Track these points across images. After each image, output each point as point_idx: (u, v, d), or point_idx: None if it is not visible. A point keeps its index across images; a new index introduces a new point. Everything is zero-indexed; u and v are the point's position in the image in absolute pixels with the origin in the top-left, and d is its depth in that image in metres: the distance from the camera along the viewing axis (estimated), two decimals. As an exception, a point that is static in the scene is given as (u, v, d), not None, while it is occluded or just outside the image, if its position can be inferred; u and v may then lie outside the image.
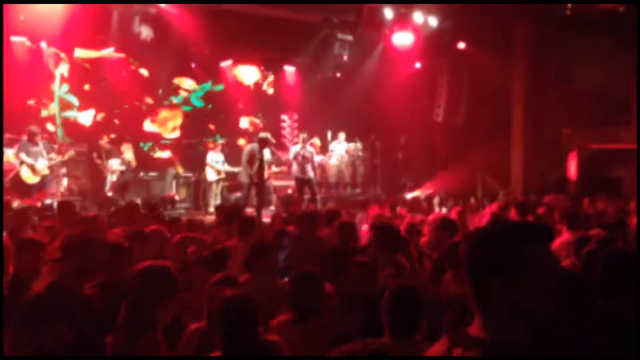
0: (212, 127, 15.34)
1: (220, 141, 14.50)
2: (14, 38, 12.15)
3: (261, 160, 11.19)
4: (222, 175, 13.27)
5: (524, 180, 14.85)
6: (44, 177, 11.13)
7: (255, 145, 11.42)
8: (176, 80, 14.81)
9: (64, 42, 12.67)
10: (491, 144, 14.55)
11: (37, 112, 12.65)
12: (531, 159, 14.95)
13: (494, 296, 1.46)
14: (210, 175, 13.21)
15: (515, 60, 15.02)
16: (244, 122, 16.05)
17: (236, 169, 12.86)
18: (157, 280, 2.90)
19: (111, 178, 12.20)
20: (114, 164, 12.22)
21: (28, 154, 10.93)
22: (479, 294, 1.49)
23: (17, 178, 10.86)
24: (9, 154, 11.30)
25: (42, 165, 11.04)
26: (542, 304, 1.44)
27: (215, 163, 13.20)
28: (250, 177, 11.37)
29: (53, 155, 11.30)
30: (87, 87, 13.45)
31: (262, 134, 11.72)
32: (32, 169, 10.95)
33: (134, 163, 12.47)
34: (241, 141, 14.98)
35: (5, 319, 3.30)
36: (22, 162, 10.88)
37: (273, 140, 11.95)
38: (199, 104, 15.21)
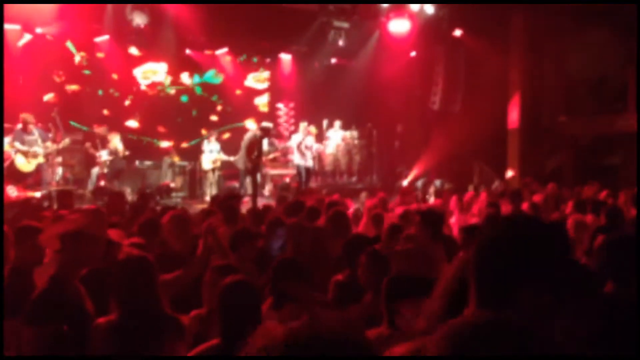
0: (215, 118, 15.22)
1: (227, 135, 14.50)
2: (7, 26, 12.08)
3: (260, 150, 11.25)
4: (218, 164, 13.27)
5: (520, 168, 14.86)
6: (39, 166, 11.13)
7: (257, 134, 11.44)
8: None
9: (59, 30, 12.60)
10: (487, 131, 14.54)
11: (31, 100, 12.56)
12: (527, 147, 14.96)
13: (520, 298, 1.39)
14: (206, 163, 13.21)
15: (512, 48, 14.98)
16: (261, 101, 15.92)
17: (231, 159, 12.83)
18: (134, 272, 2.90)
19: (100, 170, 12.10)
20: (103, 154, 12.15)
21: (22, 143, 10.93)
22: (498, 293, 1.40)
23: (12, 167, 10.84)
24: (5, 142, 11.28)
25: (37, 153, 11.03)
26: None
27: (210, 152, 13.20)
28: (246, 165, 11.36)
29: (49, 144, 11.26)
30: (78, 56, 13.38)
31: (265, 124, 11.77)
32: (27, 157, 10.94)
33: (122, 151, 12.40)
34: (248, 122, 14.79)
35: (8, 307, 3.33)
36: (17, 151, 10.87)
37: (273, 132, 12.06)
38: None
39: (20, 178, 10.93)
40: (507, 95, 15.19)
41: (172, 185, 13.26)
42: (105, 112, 13.61)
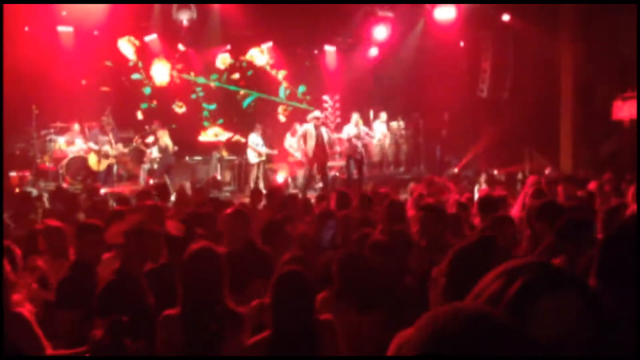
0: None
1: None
2: (60, 28, 12.48)
3: (320, 138, 11.34)
4: (263, 157, 13.40)
5: (574, 154, 14.41)
6: (109, 166, 11.96)
7: (309, 125, 11.59)
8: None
9: (109, 30, 12.92)
10: (538, 118, 14.14)
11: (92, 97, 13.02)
12: (581, 132, 14.47)
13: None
14: (252, 157, 13.36)
15: (563, 30, 14.48)
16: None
17: (275, 152, 13.46)
18: (202, 264, 2.93)
19: (150, 166, 12.42)
20: (154, 151, 12.45)
21: (96, 143, 11.78)
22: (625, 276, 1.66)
23: (84, 165, 11.67)
24: (61, 141, 11.79)
25: (109, 154, 11.87)
26: None
27: (256, 145, 13.33)
28: (308, 156, 11.49)
29: (120, 145, 12.10)
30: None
31: (313, 113, 11.89)
32: (99, 156, 11.72)
33: (171, 147, 12.67)
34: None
35: (69, 301, 3.46)
36: (90, 150, 11.69)
37: (321, 116, 12.15)
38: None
39: (92, 176, 11.75)
40: (557, 79, 14.72)
41: (218, 178, 13.44)
42: (140, 116, 14.02)
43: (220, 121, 15.15)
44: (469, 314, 1.00)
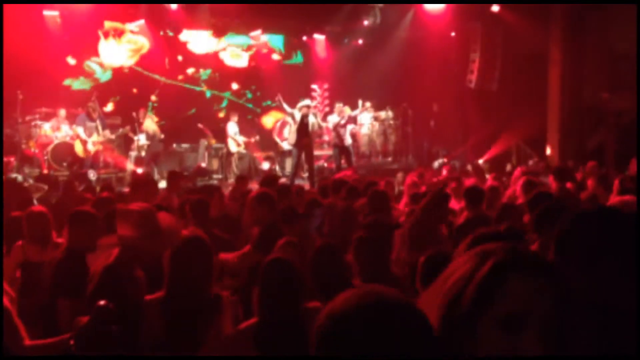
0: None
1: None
2: (46, 12, 12.32)
3: (306, 126, 11.34)
4: (242, 146, 13.40)
5: (561, 146, 14.50)
6: (96, 152, 11.78)
7: (297, 113, 11.61)
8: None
9: (97, 15, 12.78)
10: (526, 110, 14.20)
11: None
12: (568, 125, 14.56)
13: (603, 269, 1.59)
14: (232, 146, 13.34)
15: (552, 23, 14.52)
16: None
17: (253, 140, 13.77)
18: (192, 254, 2.93)
19: (137, 154, 12.31)
20: (141, 138, 12.36)
21: (84, 129, 11.57)
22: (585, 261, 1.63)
23: (70, 151, 11.49)
24: (46, 127, 11.68)
25: (95, 141, 11.67)
26: None
27: (234, 134, 13.33)
28: (298, 144, 11.57)
29: (107, 132, 11.89)
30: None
31: (304, 102, 11.88)
32: (85, 144, 11.54)
33: (158, 133, 12.58)
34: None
35: (60, 288, 3.45)
36: (77, 137, 11.52)
37: (312, 104, 12.20)
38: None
39: (78, 162, 11.57)
40: (546, 72, 14.78)
41: (203, 165, 13.37)
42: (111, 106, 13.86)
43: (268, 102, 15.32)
44: (363, 294, 1.05)
